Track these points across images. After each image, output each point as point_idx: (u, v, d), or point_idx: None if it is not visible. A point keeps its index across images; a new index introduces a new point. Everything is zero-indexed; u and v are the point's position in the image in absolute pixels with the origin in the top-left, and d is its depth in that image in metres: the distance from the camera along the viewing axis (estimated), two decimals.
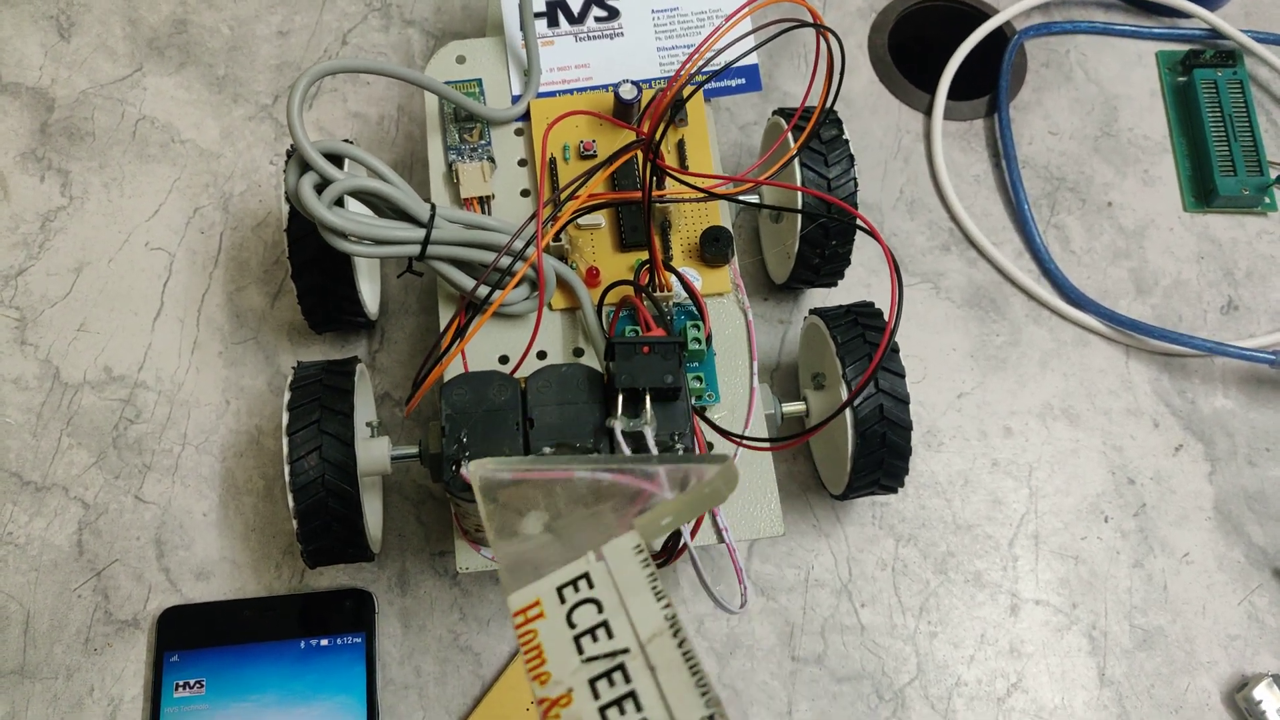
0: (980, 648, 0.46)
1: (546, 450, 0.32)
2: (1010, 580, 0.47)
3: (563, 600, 0.23)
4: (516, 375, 0.35)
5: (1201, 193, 0.56)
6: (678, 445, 0.33)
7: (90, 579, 0.45)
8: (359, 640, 0.44)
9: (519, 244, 0.38)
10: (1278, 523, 0.49)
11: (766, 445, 0.39)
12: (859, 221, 0.38)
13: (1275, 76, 0.58)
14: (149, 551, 0.46)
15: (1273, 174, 0.55)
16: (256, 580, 0.46)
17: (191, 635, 0.44)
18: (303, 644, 0.44)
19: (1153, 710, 0.45)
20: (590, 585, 0.23)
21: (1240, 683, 0.46)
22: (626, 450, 0.31)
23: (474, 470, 0.25)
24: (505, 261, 0.39)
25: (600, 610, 0.23)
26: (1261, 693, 0.45)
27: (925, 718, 0.45)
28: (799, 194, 0.44)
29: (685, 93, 0.36)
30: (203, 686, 0.43)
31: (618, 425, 0.32)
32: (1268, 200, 0.55)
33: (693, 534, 0.37)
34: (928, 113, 0.57)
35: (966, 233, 0.54)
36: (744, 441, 0.38)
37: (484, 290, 0.39)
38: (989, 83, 0.58)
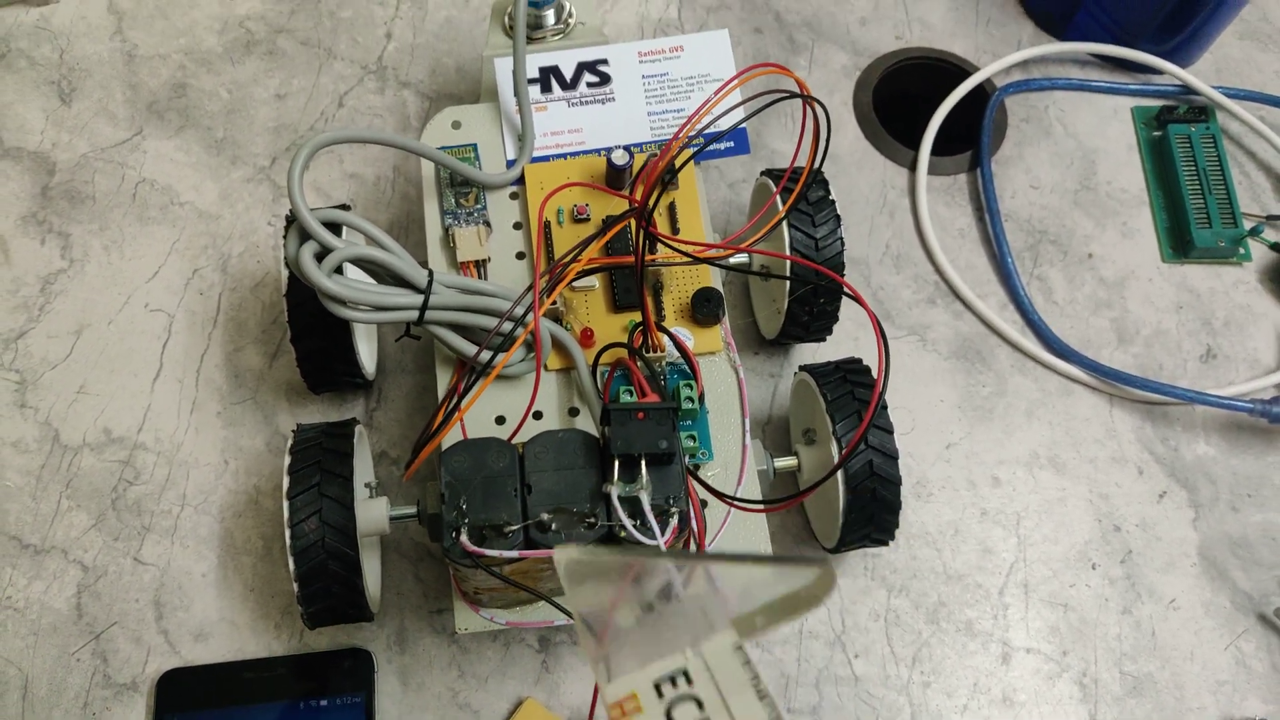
0: (973, 696, 0.47)
1: (544, 516, 0.33)
2: (1001, 629, 0.48)
3: (660, 695, 0.23)
4: (515, 439, 0.35)
5: (1179, 244, 0.57)
6: (673, 508, 0.33)
7: (89, 642, 0.46)
8: (359, 700, 0.45)
9: (519, 309, 0.39)
10: (1261, 568, 0.50)
11: (760, 507, 0.40)
12: (845, 289, 0.39)
13: (1246, 130, 0.60)
14: (148, 613, 0.46)
15: (1247, 225, 0.57)
16: (255, 641, 0.46)
17: (191, 698, 0.44)
18: (302, 705, 0.44)
19: None
20: (689, 681, 0.23)
21: None
22: (623, 515, 0.32)
23: (559, 557, 0.25)
24: (505, 327, 0.40)
25: (701, 708, 0.23)
26: None
27: None
28: (787, 266, 0.45)
29: (678, 161, 0.37)
30: None
31: (614, 490, 0.33)
32: (1242, 251, 0.57)
33: None
34: (912, 168, 0.59)
35: (952, 286, 0.56)
36: (736, 503, 0.39)
37: (485, 355, 0.40)
38: (971, 138, 0.59)
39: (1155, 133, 0.60)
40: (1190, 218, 0.57)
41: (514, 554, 0.32)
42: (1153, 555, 0.50)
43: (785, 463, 0.45)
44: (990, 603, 0.49)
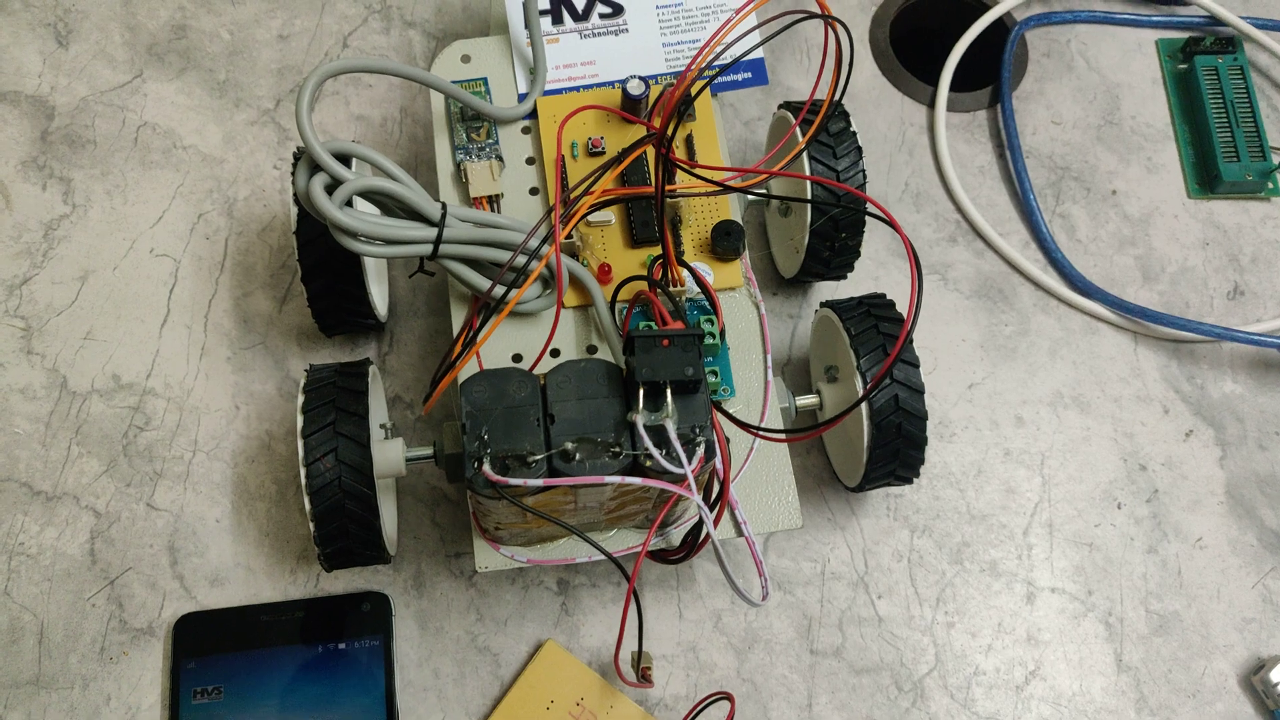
0: (998, 636, 0.46)
1: (568, 445, 0.32)
2: (1025, 569, 0.47)
3: None
4: (534, 372, 0.35)
5: (1205, 179, 0.56)
6: (699, 438, 0.32)
7: (104, 588, 0.45)
8: (377, 643, 0.44)
9: (534, 242, 0.38)
10: None
11: (784, 436, 0.39)
12: (876, 210, 0.38)
13: (1275, 62, 0.59)
14: (162, 559, 0.46)
15: (1275, 159, 0.55)
16: (271, 585, 0.45)
17: (208, 642, 0.44)
18: (320, 648, 0.44)
19: (1170, 694, 0.45)
20: None
21: (1257, 665, 0.46)
22: (649, 444, 0.31)
23: None
24: (520, 260, 0.39)
25: None
26: (1278, 675, 0.45)
27: (945, 708, 0.45)
28: (809, 187, 0.44)
29: (694, 88, 0.35)
30: (221, 693, 0.43)
31: (639, 419, 0.32)
32: (1270, 185, 0.55)
33: (715, 523, 0.37)
34: (931, 105, 0.57)
35: (973, 224, 0.54)
36: (761, 433, 0.38)
37: (499, 290, 0.39)
38: (991, 74, 0.58)
39: (1181, 65, 0.58)
40: (1217, 152, 0.55)
41: (539, 483, 0.31)
42: (1179, 494, 0.49)
43: (806, 400, 0.44)
44: (1014, 543, 0.48)
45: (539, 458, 0.32)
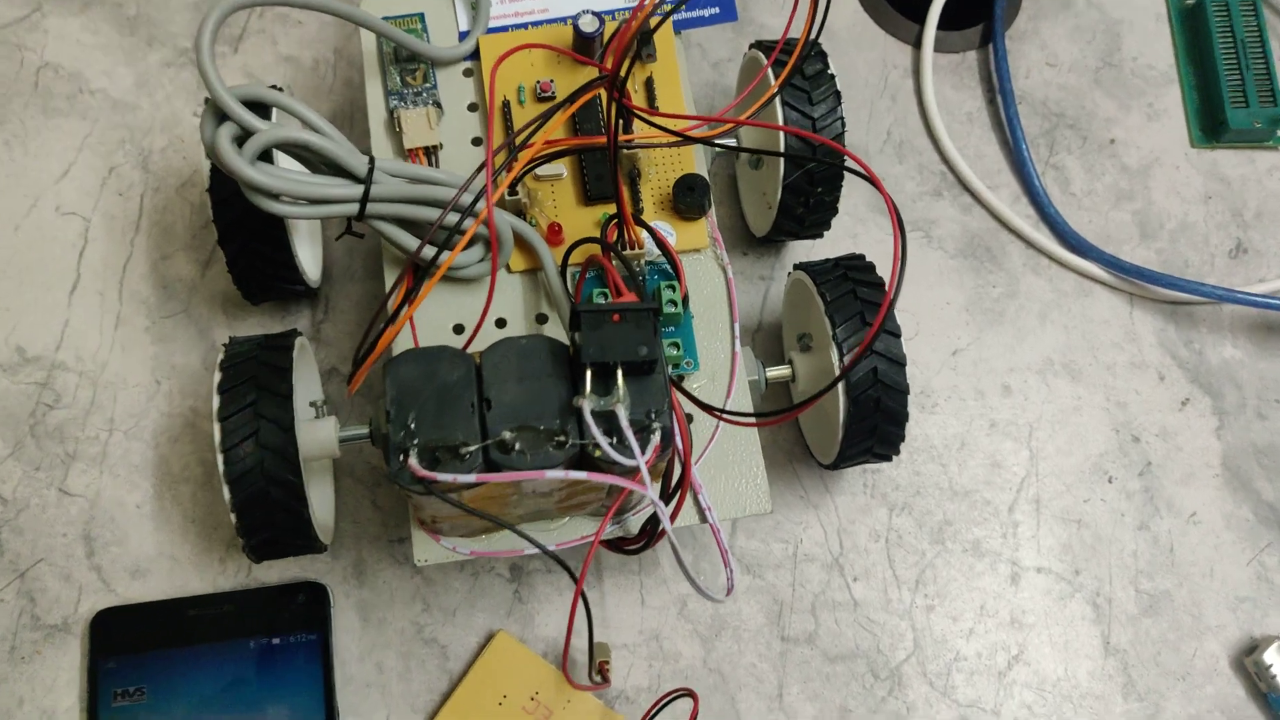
0: (980, 620, 0.43)
1: (506, 435, 0.28)
2: (1010, 548, 0.44)
3: None
4: (471, 349, 0.31)
5: (1210, 126, 0.52)
6: (654, 424, 0.29)
7: (13, 581, 0.41)
8: (314, 637, 0.41)
9: (467, 198, 0.34)
10: None
11: (753, 421, 0.35)
12: (855, 165, 0.34)
13: None
14: (77, 549, 0.42)
15: None
16: (199, 577, 0.42)
17: (129, 639, 0.40)
18: (252, 644, 0.40)
19: (1159, 678, 0.43)
20: None
21: (1250, 646, 0.43)
22: (597, 433, 0.27)
23: None
24: (453, 219, 0.35)
25: None
26: (1272, 656, 0.42)
27: (923, 696, 0.42)
28: (782, 137, 0.40)
29: (652, 22, 0.31)
30: (144, 694, 0.40)
31: (586, 405, 0.28)
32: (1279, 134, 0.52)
33: (672, 517, 0.34)
34: (916, 45, 0.53)
35: (960, 176, 0.50)
36: (726, 417, 0.35)
37: (430, 251, 0.35)
38: (982, 11, 0.53)
39: (1188, 1, 0.54)
40: (1224, 96, 0.51)
41: (471, 479, 0.27)
42: (1172, 467, 0.46)
43: (778, 372, 0.41)
44: (999, 520, 0.45)
45: (473, 449, 0.28)
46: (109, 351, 0.44)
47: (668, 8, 0.32)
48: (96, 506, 0.42)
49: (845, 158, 0.34)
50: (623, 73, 0.31)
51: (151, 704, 0.40)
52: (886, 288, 0.33)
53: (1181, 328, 0.49)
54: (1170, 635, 0.43)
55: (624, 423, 0.28)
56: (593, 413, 0.28)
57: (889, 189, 0.50)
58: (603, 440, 0.28)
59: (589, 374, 0.28)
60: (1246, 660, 0.43)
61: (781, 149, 0.39)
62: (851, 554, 0.44)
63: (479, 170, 0.34)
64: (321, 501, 0.41)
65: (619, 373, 0.28)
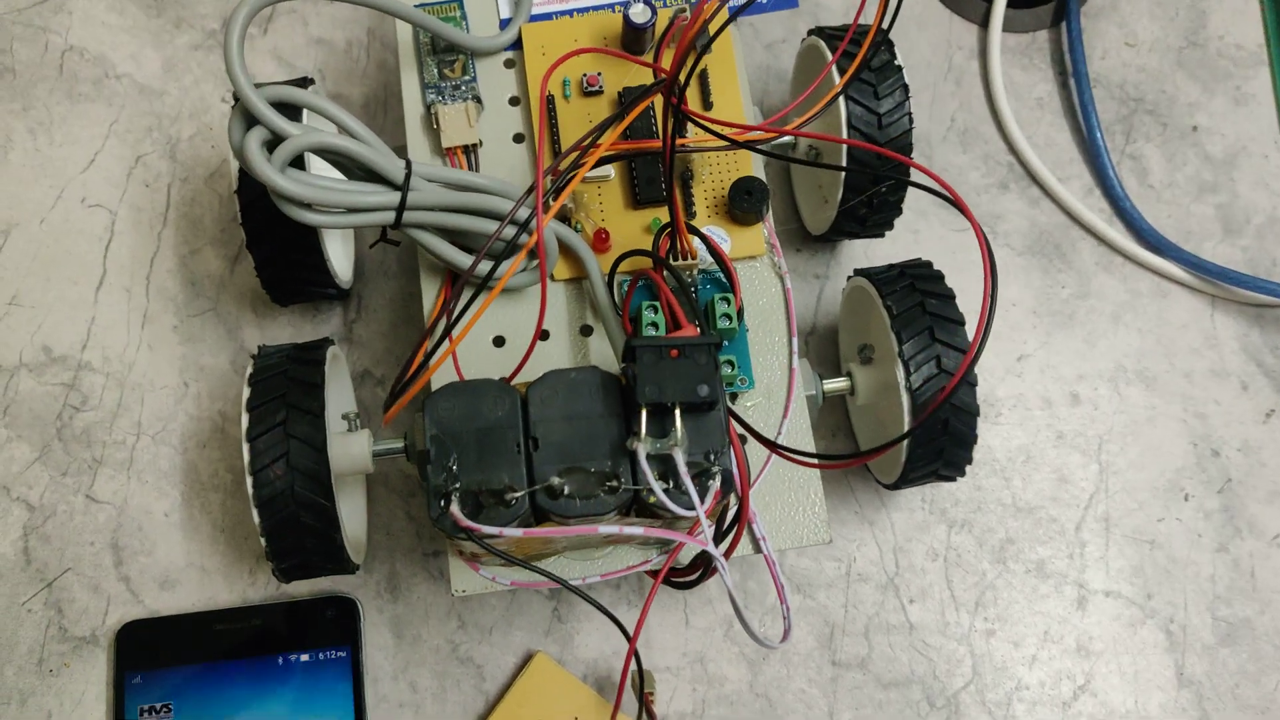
0: (1043, 646, 0.41)
1: (555, 480, 0.26)
2: (1077, 569, 0.42)
3: None
4: (519, 373, 0.28)
5: None
6: (714, 466, 0.27)
7: (41, 591, 0.40)
8: (344, 654, 0.39)
9: (524, 212, 0.32)
10: None
11: (814, 462, 0.33)
12: (933, 184, 0.31)
13: None
14: (105, 558, 0.40)
15: None
16: (228, 588, 0.40)
17: (156, 652, 0.39)
18: (281, 659, 0.39)
19: (1237, 712, 0.41)
20: None
21: None
22: (653, 482, 0.25)
23: None
24: (507, 232, 0.32)
25: None
26: None
27: None
28: (844, 153, 0.37)
29: (712, 27, 0.28)
30: (170, 710, 0.39)
31: (642, 449, 0.26)
32: None
33: (728, 553, 0.32)
34: (983, 24, 0.49)
35: (1028, 167, 0.47)
36: (789, 455, 0.32)
37: (483, 268, 0.32)
38: None
39: None
40: None
41: (517, 533, 0.25)
42: (1255, 484, 0.43)
43: (836, 385, 0.38)
44: (1065, 539, 0.42)
45: (519, 494, 0.26)
46: (136, 351, 0.43)
47: (727, 10, 0.29)
48: (124, 514, 0.41)
49: (925, 176, 0.31)
50: (682, 78, 0.28)
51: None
52: (972, 333, 0.30)
53: (1268, 333, 0.45)
54: (1250, 667, 0.41)
55: (682, 469, 0.26)
56: (648, 456, 0.26)
57: (953, 181, 0.47)
58: (658, 489, 0.25)
59: (644, 414, 0.26)
60: None
61: (844, 154, 0.36)
62: (908, 574, 0.42)
63: (529, 192, 0.32)
64: (353, 515, 0.39)
65: (677, 413, 0.26)
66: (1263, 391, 0.45)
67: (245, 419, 0.33)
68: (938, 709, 0.40)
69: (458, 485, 0.26)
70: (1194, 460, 0.44)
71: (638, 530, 0.26)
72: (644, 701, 0.36)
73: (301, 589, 0.40)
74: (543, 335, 0.36)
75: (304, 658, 0.39)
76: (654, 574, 0.34)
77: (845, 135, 0.37)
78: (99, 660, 0.39)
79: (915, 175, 0.36)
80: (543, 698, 0.39)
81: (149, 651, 0.39)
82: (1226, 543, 0.43)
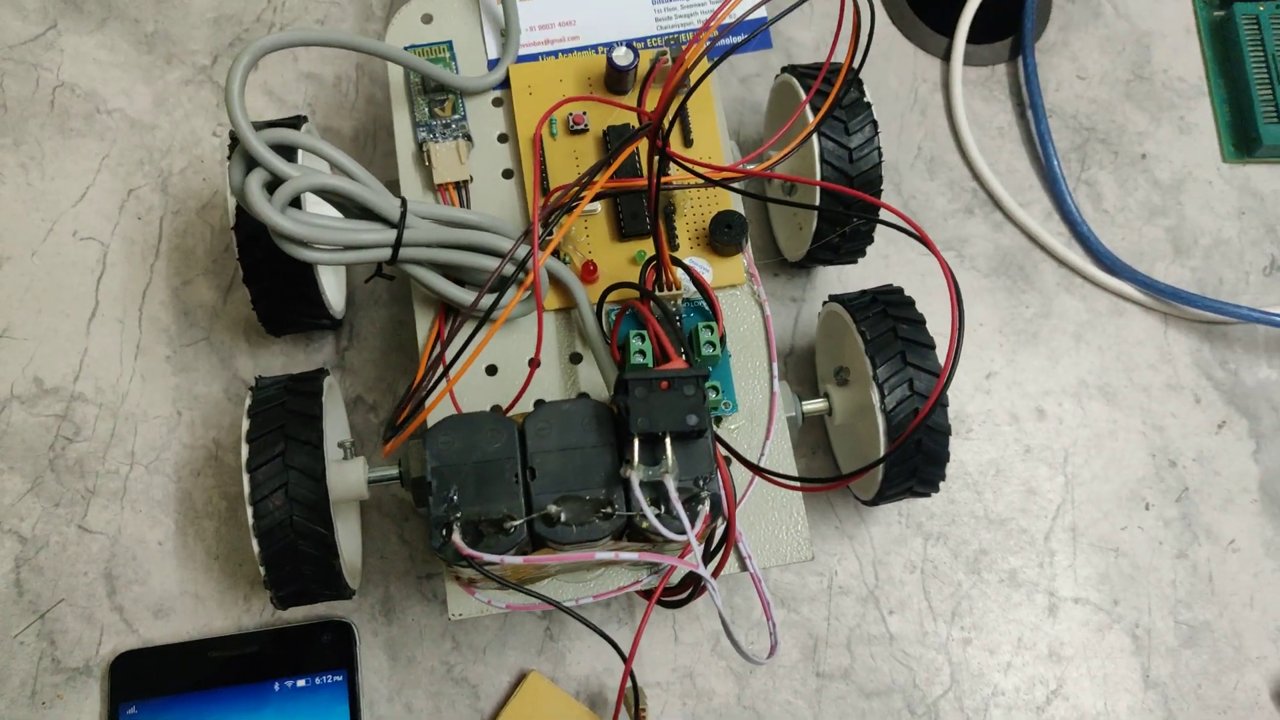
0: (1017, 653, 0.43)
1: (551, 508, 0.27)
2: (1047, 578, 0.44)
3: None
4: (517, 404, 0.30)
5: (1242, 141, 0.51)
6: (703, 491, 0.28)
7: (33, 622, 0.41)
8: (340, 678, 0.40)
9: (523, 250, 0.33)
10: None
11: (798, 485, 0.34)
12: (903, 224, 0.33)
13: None
14: (99, 588, 0.41)
15: None
16: (223, 615, 0.41)
17: (151, 682, 0.40)
18: (277, 685, 0.40)
19: (1200, 712, 0.43)
20: None
21: None
22: (646, 508, 0.27)
23: None
24: (491, 265, 0.34)
25: None
26: None
27: None
28: (818, 194, 0.38)
29: (694, 76, 0.30)
30: None
31: (635, 476, 0.27)
32: None
33: (716, 572, 0.33)
34: (946, 58, 0.51)
35: (991, 193, 0.49)
36: (773, 478, 0.34)
37: (484, 303, 0.34)
38: (1011, 23, 0.52)
39: (1218, 13, 0.53)
40: (1257, 111, 0.50)
41: (518, 560, 0.26)
42: (1210, 492, 0.46)
43: (814, 406, 0.40)
44: (1035, 549, 0.44)
45: (518, 523, 0.27)
46: (129, 381, 0.43)
47: (708, 59, 0.31)
48: (118, 544, 0.42)
49: (895, 216, 0.33)
50: (665, 124, 0.30)
51: None
52: (942, 362, 0.32)
53: (1217, 348, 0.48)
54: (1211, 667, 0.43)
55: (673, 495, 0.27)
56: (641, 483, 0.27)
57: (920, 207, 0.49)
58: (650, 514, 0.27)
59: (636, 444, 0.28)
60: None
61: (818, 192, 0.38)
62: (887, 586, 0.43)
63: (525, 234, 0.33)
64: (348, 540, 0.40)
65: (667, 441, 0.28)
66: (1215, 404, 0.47)
67: (245, 450, 0.34)
68: (918, 716, 0.42)
69: (459, 515, 0.27)
70: (1153, 471, 0.46)
71: (631, 555, 0.27)
72: (638, 719, 0.37)
73: (296, 614, 0.41)
74: (531, 362, 0.37)
75: (300, 683, 0.40)
76: (644, 594, 0.36)
77: (819, 168, 0.39)
78: (93, 691, 0.40)
79: (885, 215, 0.38)
80: (537, 715, 0.40)
81: (144, 681, 0.40)
82: (1186, 549, 0.45)
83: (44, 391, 0.43)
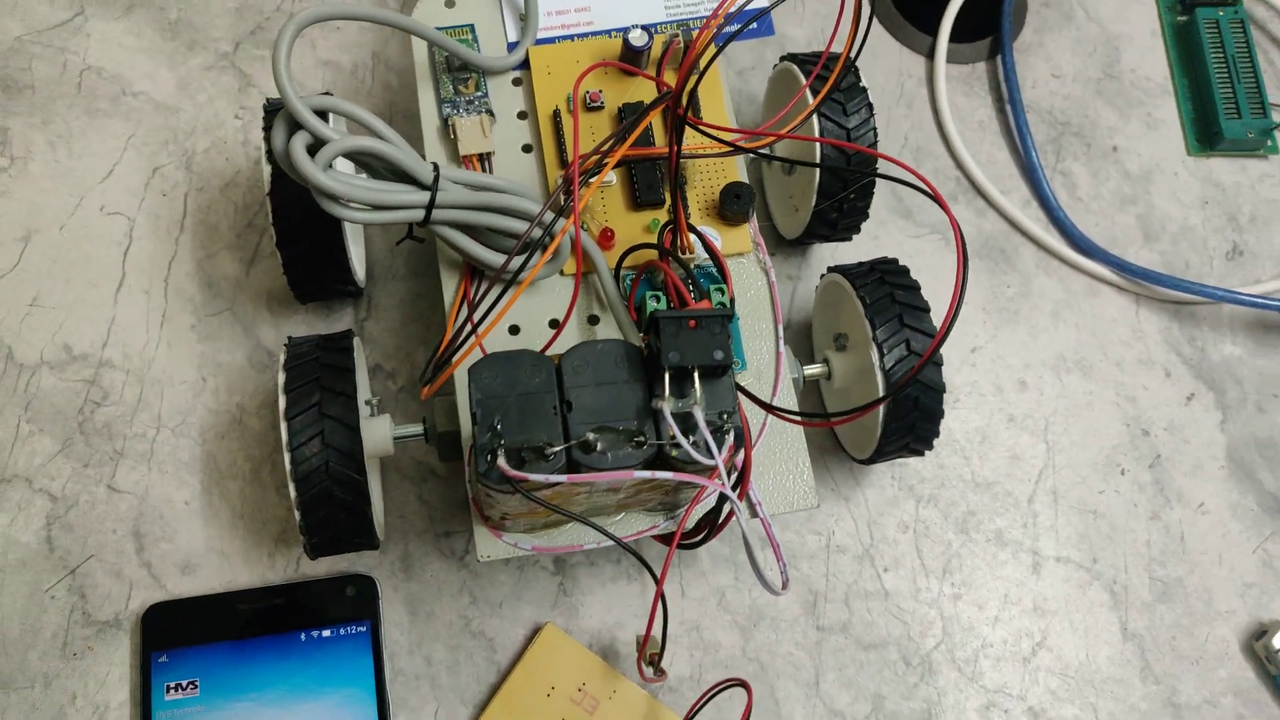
0: (1004, 608, 0.45)
1: (590, 436, 0.29)
2: (1031, 538, 0.47)
3: None
4: (548, 347, 0.32)
5: (1205, 136, 0.54)
6: (727, 424, 0.30)
7: (64, 578, 0.42)
8: (364, 629, 0.42)
9: (549, 215, 0.35)
10: None
11: (821, 421, 0.37)
12: (916, 180, 0.36)
13: (1273, 16, 0.57)
14: (127, 545, 0.42)
15: (1276, 116, 0.54)
16: (248, 571, 0.43)
17: (180, 633, 0.41)
18: (303, 636, 0.41)
19: (1174, 662, 0.45)
20: None
21: (1258, 631, 0.46)
22: (678, 433, 0.29)
23: None
24: (519, 227, 0.36)
25: None
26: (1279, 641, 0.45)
27: (953, 681, 0.44)
28: (817, 149, 0.41)
29: (702, 61, 0.33)
30: (196, 687, 0.40)
31: (666, 407, 0.29)
32: (1270, 143, 0.54)
33: (740, 494, 0.35)
34: (929, 56, 0.55)
35: (974, 181, 0.52)
36: (779, 413, 0.36)
37: (514, 264, 0.36)
38: (990, 24, 0.55)
39: (1181, 17, 0.57)
40: (1219, 108, 0.54)
41: (562, 479, 0.28)
42: (1181, 459, 0.49)
43: (814, 370, 0.42)
44: (1020, 511, 0.47)
45: (557, 449, 0.29)
46: (155, 349, 0.45)
47: (717, 42, 0.33)
48: (145, 503, 0.43)
49: (906, 174, 0.36)
50: (687, 90, 0.32)
51: (205, 697, 0.40)
52: (945, 314, 0.34)
53: (1185, 326, 0.51)
54: (1184, 620, 0.46)
55: (702, 423, 0.29)
56: (672, 414, 0.29)
57: (907, 194, 0.52)
58: (683, 440, 0.29)
59: (667, 377, 0.30)
60: (1256, 645, 0.45)
61: (818, 158, 0.41)
62: (881, 545, 0.46)
63: (563, 188, 0.36)
64: (374, 498, 0.42)
65: (695, 376, 0.30)
66: (1184, 378, 0.50)
67: (282, 401, 0.36)
68: (913, 667, 0.44)
69: (502, 443, 0.29)
70: (1128, 439, 0.49)
71: (667, 474, 0.29)
72: (651, 661, 0.39)
73: (319, 569, 0.43)
74: (553, 324, 0.39)
75: (325, 633, 0.41)
76: (661, 538, 0.38)
77: (817, 150, 0.42)
78: (122, 643, 0.41)
79: (898, 172, 0.40)
80: (553, 666, 0.42)
81: (174, 632, 0.41)
82: (1159, 511, 0.48)
83: (73, 358, 0.45)
